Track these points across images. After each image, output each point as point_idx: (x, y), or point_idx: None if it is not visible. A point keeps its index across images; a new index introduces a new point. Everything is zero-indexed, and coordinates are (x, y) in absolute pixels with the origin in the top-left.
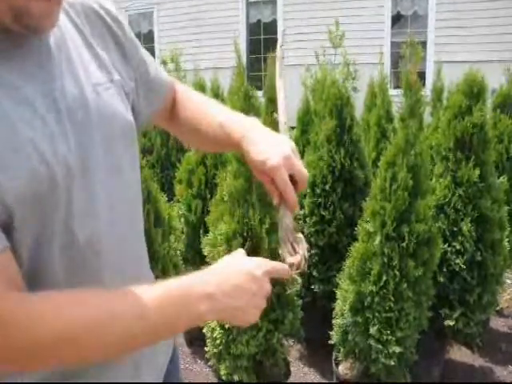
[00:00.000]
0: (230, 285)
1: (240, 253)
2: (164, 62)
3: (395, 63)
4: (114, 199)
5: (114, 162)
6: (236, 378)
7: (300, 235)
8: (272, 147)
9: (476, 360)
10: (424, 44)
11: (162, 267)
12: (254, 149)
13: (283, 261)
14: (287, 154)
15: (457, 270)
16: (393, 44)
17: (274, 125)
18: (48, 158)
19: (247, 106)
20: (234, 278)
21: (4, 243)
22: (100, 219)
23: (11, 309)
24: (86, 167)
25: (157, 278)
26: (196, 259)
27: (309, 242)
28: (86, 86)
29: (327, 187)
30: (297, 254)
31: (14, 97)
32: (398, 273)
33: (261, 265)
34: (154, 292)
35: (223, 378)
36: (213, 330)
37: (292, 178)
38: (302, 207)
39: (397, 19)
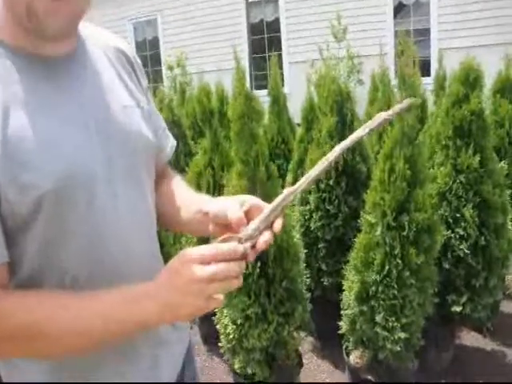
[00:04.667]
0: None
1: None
2: (170, 68)
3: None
4: (133, 207)
5: (135, 175)
6: (249, 371)
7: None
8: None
9: (488, 344)
10: (428, 31)
11: None
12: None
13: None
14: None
15: (461, 255)
16: (396, 33)
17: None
18: (71, 163)
19: (248, 110)
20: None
21: (5, 258)
22: (121, 224)
23: None
24: (110, 177)
25: None
26: None
27: (315, 236)
28: (114, 106)
29: (331, 182)
30: (247, 241)
31: (47, 110)
32: (400, 261)
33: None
34: (112, 298)
35: (237, 371)
36: (225, 326)
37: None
38: (307, 203)
39: (399, 9)
